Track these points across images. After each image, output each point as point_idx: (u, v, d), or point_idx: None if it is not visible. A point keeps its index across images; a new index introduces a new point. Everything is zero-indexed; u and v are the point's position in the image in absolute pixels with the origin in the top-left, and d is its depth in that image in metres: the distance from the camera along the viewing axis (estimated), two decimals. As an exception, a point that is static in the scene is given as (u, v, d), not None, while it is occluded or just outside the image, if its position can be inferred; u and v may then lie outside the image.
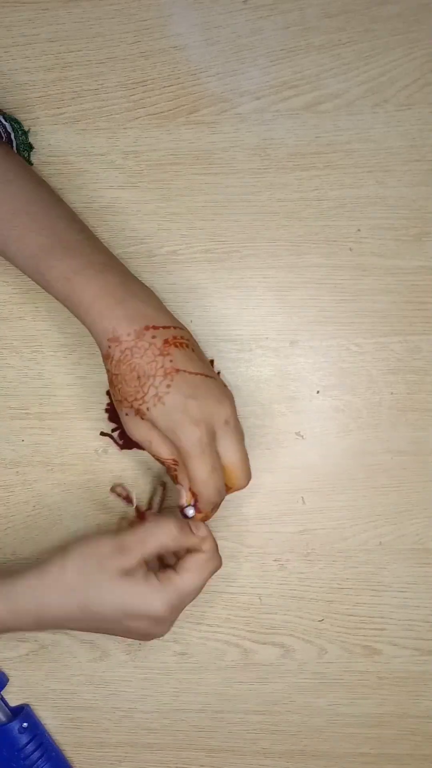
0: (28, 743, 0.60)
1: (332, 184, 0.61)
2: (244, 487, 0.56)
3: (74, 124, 0.61)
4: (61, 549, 0.54)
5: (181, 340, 0.53)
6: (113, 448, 0.62)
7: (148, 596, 0.52)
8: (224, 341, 0.61)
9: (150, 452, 0.55)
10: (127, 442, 0.61)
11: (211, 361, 0.61)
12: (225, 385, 0.55)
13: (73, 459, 0.62)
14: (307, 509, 0.62)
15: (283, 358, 0.61)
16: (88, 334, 0.61)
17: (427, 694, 0.62)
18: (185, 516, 0.55)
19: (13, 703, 0.63)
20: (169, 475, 0.56)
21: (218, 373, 0.61)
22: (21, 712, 0.61)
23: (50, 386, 0.62)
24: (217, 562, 0.55)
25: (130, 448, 0.61)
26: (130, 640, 0.62)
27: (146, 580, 0.53)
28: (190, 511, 0.55)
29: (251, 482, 0.61)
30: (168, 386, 0.52)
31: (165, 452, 0.54)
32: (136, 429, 0.54)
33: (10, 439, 0.62)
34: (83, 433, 0.62)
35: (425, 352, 0.61)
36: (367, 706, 0.63)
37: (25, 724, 0.61)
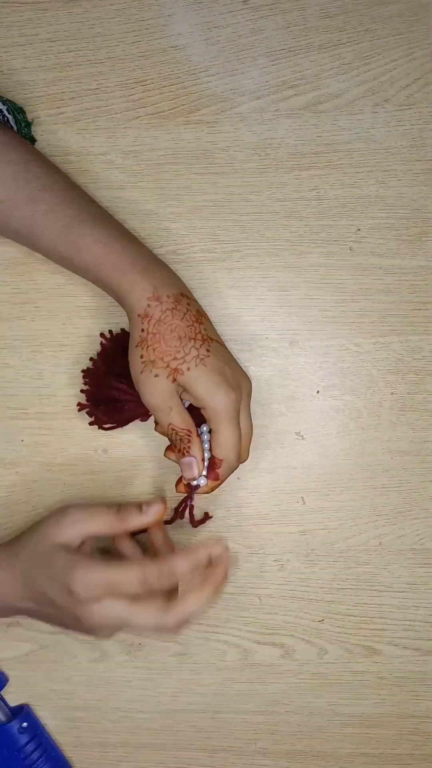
0: (27, 743, 0.60)
1: (332, 183, 0.60)
2: (244, 461, 0.57)
3: (74, 123, 0.61)
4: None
5: (203, 314, 0.56)
6: (113, 449, 0.62)
7: (69, 568, 0.51)
8: (224, 341, 0.61)
9: (162, 421, 0.55)
10: (113, 419, 0.59)
11: None
12: None
13: (73, 459, 0.62)
14: (307, 509, 0.62)
15: (283, 358, 0.61)
16: (88, 334, 0.61)
17: (427, 694, 0.62)
18: (193, 488, 0.56)
19: (12, 703, 0.63)
20: (174, 449, 0.56)
21: None
22: (21, 711, 0.61)
23: (50, 386, 0.62)
24: (148, 576, 0.51)
25: (113, 426, 0.60)
26: (130, 641, 0.62)
27: (76, 554, 0.53)
28: (202, 480, 0.56)
29: (251, 482, 0.62)
30: (207, 351, 0.54)
31: (182, 422, 0.55)
32: (163, 393, 0.54)
33: (10, 439, 0.62)
34: (83, 433, 0.61)
35: (425, 352, 0.61)
36: (367, 706, 0.63)
37: (24, 724, 0.61)
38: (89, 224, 0.55)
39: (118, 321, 0.61)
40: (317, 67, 0.60)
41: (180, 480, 0.57)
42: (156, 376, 0.54)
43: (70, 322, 0.61)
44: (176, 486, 0.57)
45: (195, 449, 0.55)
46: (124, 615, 0.51)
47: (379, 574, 0.62)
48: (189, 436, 0.55)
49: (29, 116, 0.61)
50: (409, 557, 0.61)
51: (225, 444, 0.54)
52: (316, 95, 0.60)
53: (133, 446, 0.62)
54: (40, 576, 0.53)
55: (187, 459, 0.55)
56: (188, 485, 0.56)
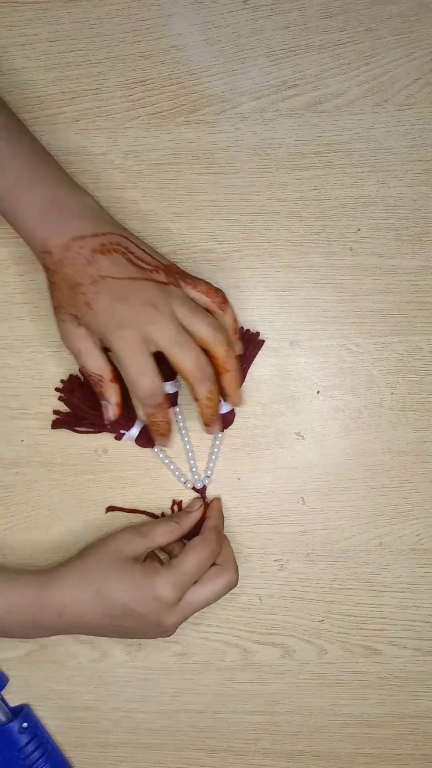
0: (28, 743, 0.60)
1: (332, 183, 0.60)
2: (240, 352, 0.58)
3: (74, 123, 0.61)
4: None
5: (112, 246, 0.55)
6: (113, 448, 0.62)
7: (152, 576, 0.55)
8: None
9: (78, 364, 0.56)
10: (80, 422, 0.61)
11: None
12: (163, 281, 0.55)
13: (73, 459, 0.62)
14: (308, 509, 0.62)
15: (283, 358, 0.61)
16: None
17: (427, 694, 0.62)
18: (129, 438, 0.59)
19: (13, 703, 0.63)
20: (96, 390, 0.57)
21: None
22: (21, 712, 0.61)
23: (50, 386, 0.62)
24: (213, 545, 0.58)
25: (81, 428, 0.61)
26: (129, 641, 0.62)
27: (150, 564, 0.57)
28: (133, 432, 0.59)
29: (251, 482, 0.61)
30: (95, 293, 0.54)
31: (92, 365, 0.55)
32: (70, 337, 0.55)
33: (10, 439, 0.62)
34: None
35: (425, 352, 0.61)
36: (368, 706, 0.63)
37: (25, 724, 0.61)
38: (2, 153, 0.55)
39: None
40: (317, 67, 0.60)
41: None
42: (63, 321, 0.55)
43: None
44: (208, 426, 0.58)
45: (108, 392, 0.56)
46: (207, 598, 0.57)
47: (380, 574, 0.62)
48: (101, 381, 0.56)
49: (29, 117, 0.60)
50: (409, 557, 0.61)
51: (126, 380, 0.55)
52: (316, 95, 0.60)
53: (133, 446, 0.61)
54: (119, 590, 0.55)
55: (102, 402, 0.57)
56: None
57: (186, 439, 0.62)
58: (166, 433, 0.57)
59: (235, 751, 0.63)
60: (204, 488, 0.62)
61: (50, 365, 0.62)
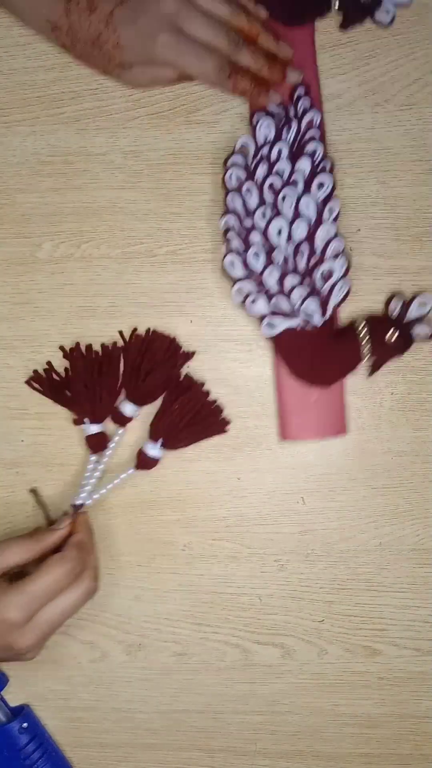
0: (28, 743, 0.60)
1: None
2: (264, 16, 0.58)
3: (74, 123, 0.61)
4: None
5: None
6: (114, 449, 0.62)
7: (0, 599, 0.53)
8: (224, 341, 0.61)
9: (182, 76, 0.57)
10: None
11: None
12: None
13: (73, 459, 0.62)
14: (307, 510, 0.62)
15: (284, 359, 0.61)
16: (87, 335, 0.61)
17: (427, 694, 0.62)
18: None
19: (13, 704, 0.63)
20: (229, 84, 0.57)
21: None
22: (21, 712, 0.61)
23: (50, 386, 0.62)
24: (72, 563, 0.55)
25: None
26: (130, 640, 0.62)
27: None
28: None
29: (251, 482, 0.61)
30: (115, 31, 0.55)
31: (176, 73, 0.57)
32: (141, 76, 0.57)
33: (10, 439, 0.62)
34: (83, 433, 0.61)
35: (426, 352, 0.61)
36: (368, 707, 0.63)
37: (25, 725, 0.61)
38: None
39: (118, 322, 0.61)
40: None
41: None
42: (127, 69, 0.57)
43: (70, 322, 0.61)
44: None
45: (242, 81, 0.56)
46: (63, 612, 0.55)
47: (380, 574, 0.62)
48: (235, 38, 0.56)
49: (29, 117, 0.60)
50: (409, 557, 0.61)
51: (193, 65, 0.56)
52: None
53: (134, 447, 0.61)
54: None
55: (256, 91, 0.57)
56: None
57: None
58: (257, 93, 0.57)
59: (235, 752, 0.63)
60: (80, 506, 0.60)
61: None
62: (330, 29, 0.60)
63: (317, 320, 0.56)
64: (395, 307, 0.59)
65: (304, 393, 0.58)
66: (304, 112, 0.58)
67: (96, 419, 0.60)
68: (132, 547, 0.62)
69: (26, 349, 0.62)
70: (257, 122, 0.58)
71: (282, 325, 0.56)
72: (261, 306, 0.56)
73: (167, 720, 0.63)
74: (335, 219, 0.57)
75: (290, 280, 0.55)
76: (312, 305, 0.55)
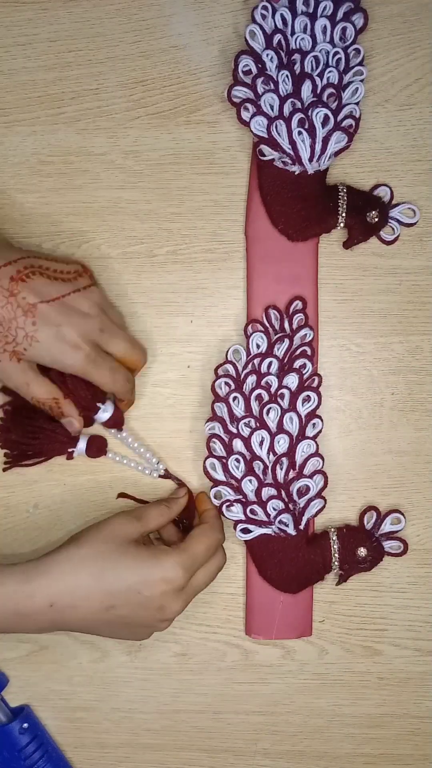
0: (28, 744, 0.60)
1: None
2: (144, 364, 0.59)
3: (74, 123, 0.61)
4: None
5: (27, 270, 0.53)
6: (114, 449, 0.61)
7: (162, 557, 0.54)
8: (225, 341, 0.61)
9: (27, 397, 0.56)
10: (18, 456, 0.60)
11: None
12: (86, 285, 0.56)
13: (73, 459, 0.62)
14: (308, 509, 0.62)
15: (284, 359, 0.61)
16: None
17: (427, 694, 0.62)
18: (99, 422, 0.59)
19: (13, 704, 0.63)
20: (53, 414, 0.57)
21: None
22: (21, 712, 0.61)
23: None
24: (219, 534, 0.57)
25: (19, 463, 0.61)
26: (130, 641, 0.62)
27: (158, 545, 0.56)
28: (104, 416, 0.58)
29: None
30: (34, 324, 0.53)
31: (44, 393, 0.56)
32: (13, 374, 0.54)
33: (10, 440, 0.62)
34: (84, 433, 0.61)
35: (426, 353, 0.61)
36: (368, 707, 0.63)
37: (25, 725, 0.61)
38: None
39: (118, 321, 0.61)
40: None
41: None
42: (0, 362, 0.54)
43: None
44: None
45: (67, 409, 0.56)
46: (204, 582, 0.56)
47: (380, 575, 0.62)
48: (57, 402, 0.56)
49: (29, 117, 0.60)
50: (409, 557, 0.61)
51: (104, 385, 0.56)
52: (316, 95, 0.60)
53: (134, 447, 0.61)
54: (123, 572, 0.53)
55: (65, 420, 0.57)
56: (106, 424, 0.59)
57: (130, 440, 0.61)
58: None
59: (236, 752, 0.63)
60: (167, 472, 0.61)
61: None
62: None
63: (291, 531, 0.58)
64: (369, 521, 0.60)
65: (272, 594, 0.59)
66: (299, 328, 0.59)
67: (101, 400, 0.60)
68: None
69: (26, 349, 0.62)
70: (251, 333, 0.58)
71: (256, 531, 0.58)
72: (237, 511, 0.58)
73: (167, 720, 0.63)
74: (317, 435, 0.58)
75: (267, 491, 0.57)
76: (286, 518, 0.57)
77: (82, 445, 0.59)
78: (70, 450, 0.59)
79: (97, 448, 0.60)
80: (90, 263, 0.61)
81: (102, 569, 0.53)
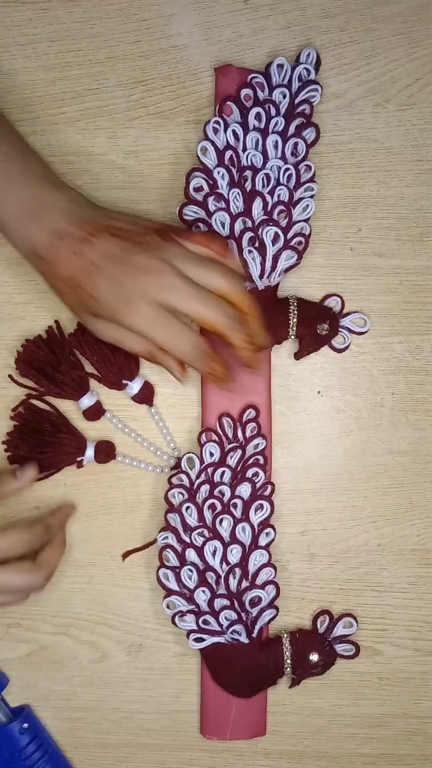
0: (28, 744, 0.60)
1: (333, 184, 0.60)
2: (250, 304, 0.53)
3: (75, 123, 0.61)
4: None
5: (96, 230, 0.52)
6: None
7: None
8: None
9: (125, 348, 0.55)
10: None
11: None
12: (155, 243, 0.52)
13: (83, 467, 0.62)
14: (308, 510, 0.62)
15: (284, 359, 0.61)
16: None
17: (428, 694, 0.62)
18: (129, 396, 0.59)
19: (13, 704, 0.63)
20: (153, 362, 0.56)
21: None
22: (21, 713, 0.61)
23: (50, 386, 0.62)
24: (33, 535, 0.56)
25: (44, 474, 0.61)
26: (131, 641, 0.62)
27: None
28: (130, 392, 0.59)
29: (252, 483, 0.61)
30: (94, 284, 0.52)
31: (137, 347, 0.54)
32: (102, 332, 0.54)
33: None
34: (84, 433, 0.61)
35: (426, 353, 0.61)
36: (368, 707, 0.63)
37: (25, 725, 0.60)
38: None
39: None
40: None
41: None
42: (86, 321, 0.54)
43: (71, 323, 0.61)
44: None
45: (167, 362, 0.55)
46: (3, 582, 0.54)
47: (380, 575, 0.62)
48: (152, 354, 0.54)
49: (29, 117, 0.60)
50: (409, 557, 0.61)
51: (168, 346, 0.52)
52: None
53: (135, 448, 0.61)
54: None
55: (169, 368, 0.55)
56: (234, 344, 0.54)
57: (156, 417, 0.61)
58: (227, 378, 0.55)
59: (236, 752, 0.63)
60: (180, 459, 0.60)
61: (50, 365, 0.62)
62: (330, 29, 0.60)
63: (244, 639, 0.58)
64: (322, 624, 0.61)
65: (226, 697, 0.60)
66: (252, 437, 0.59)
67: (131, 377, 0.60)
68: (133, 547, 0.62)
69: (26, 350, 0.62)
70: (205, 442, 0.59)
71: (209, 640, 0.58)
72: (190, 621, 0.58)
73: (168, 720, 0.63)
74: (269, 544, 0.59)
75: (220, 602, 0.58)
76: (239, 628, 0.58)
77: (90, 452, 0.60)
78: (79, 459, 0.60)
79: (105, 453, 0.60)
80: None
81: None
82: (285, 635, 0.60)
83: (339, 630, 0.61)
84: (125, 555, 0.62)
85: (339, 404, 0.61)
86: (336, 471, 0.61)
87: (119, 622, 0.62)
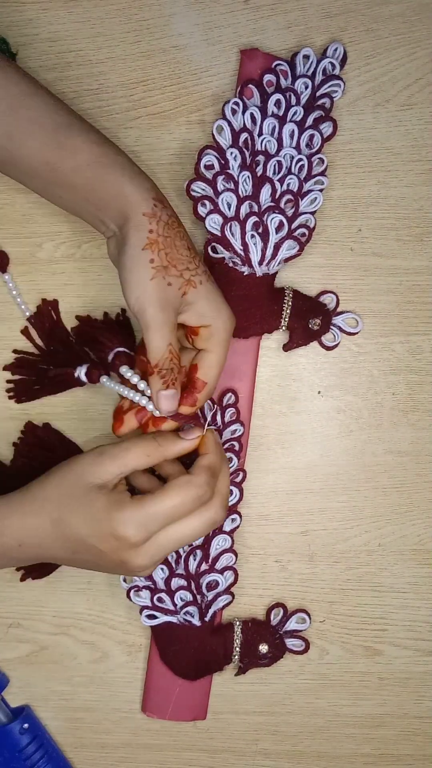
0: (28, 744, 0.60)
1: (333, 184, 0.60)
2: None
3: (75, 123, 0.61)
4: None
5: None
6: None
7: (114, 511, 0.48)
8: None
9: (163, 340, 0.50)
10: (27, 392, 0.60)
11: None
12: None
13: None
14: (308, 510, 0.62)
15: (284, 358, 0.61)
16: (88, 335, 0.61)
17: (428, 694, 0.62)
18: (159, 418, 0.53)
19: (13, 704, 0.63)
20: (153, 373, 0.51)
21: None
22: (22, 713, 0.61)
23: (51, 386, 0.62)
24: (201, 490, 0.49)
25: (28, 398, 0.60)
26: (131, 641, 0.62)
27: (117, 494, 0.49)
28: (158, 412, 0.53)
29: (252, 483, 0.61)
30: (205, 271, 0.52)
31: (177, 343, 0.51)
32: (170, 304, 0.50)
33: (11, 440, 0.62)
34: (84, 433, 0.61)
35: (426, 353, 0.61)
36: (368, 707, 0.63)
37: (25, 725, 0.60)
38: (78, 128, 0.51)
39: (118, 321, 0.61)
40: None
41: (122, 416, 0.53)
42: (169, 284, 0.49)
43: (72, 323, 0.61)
44: (117, 427, 0.54)
45: (179, 381, 0.52)
46: (182, 538, 0.50)
47: (380, 575, 0.62)
48: (179, 363, 0.51)
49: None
50: (410, 557, 0.61)
51: (215, 365, 0.52)
52: (317, 95, 0.60)
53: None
54: (78, 523, 0.49)
55: (170, 391, 0.51)
56: (152, 419, 0.53)
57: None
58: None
59: (236, 752, 0.63)
60: (210, 423, 0.57)
61: (51, 365, 0.62)
62: (330, 29, 0.60)
63: (196, 622, 0.59)
64: (275, 617, 0.62)
65: (171, 678, 0.60)
66: (230, 422, 0.59)
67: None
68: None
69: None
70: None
71: (162, 618, 0.59)
72: (144, 597, 0.59)
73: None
74: (234, 530, 0.60)
75: (177, 582, 0.58)
76: (193, 609, 0.58)
77: (82, 372, 0.57)
78: (76, 376, 0.57)
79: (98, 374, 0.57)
80: (91, 263, 0.61)
81: (60, 516, 0.50)
82: (237, 623, 0.60)
83: (291, 624, 0.61)
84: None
85: (339, 404, 0.61)
86: (336, 471, 0.61)
87: (119, 622, 0.62)
